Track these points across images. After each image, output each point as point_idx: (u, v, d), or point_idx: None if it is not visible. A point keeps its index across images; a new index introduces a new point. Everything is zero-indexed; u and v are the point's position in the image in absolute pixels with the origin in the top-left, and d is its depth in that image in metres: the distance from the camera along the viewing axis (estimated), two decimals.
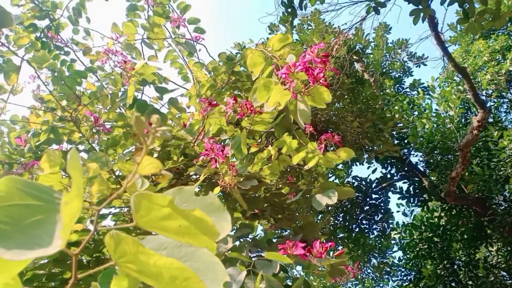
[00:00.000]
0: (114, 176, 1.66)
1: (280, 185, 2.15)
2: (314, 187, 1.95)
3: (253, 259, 1.54)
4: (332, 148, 2.34)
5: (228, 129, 2.08)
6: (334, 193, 1.74)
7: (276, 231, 2.91)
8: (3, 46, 2.17)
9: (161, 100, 2.73)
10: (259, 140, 3.69)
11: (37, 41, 2.23)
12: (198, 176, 2.22)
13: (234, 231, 2.65)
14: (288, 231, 2.74)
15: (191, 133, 1.96)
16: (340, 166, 6.71)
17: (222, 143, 2.01)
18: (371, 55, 6.36)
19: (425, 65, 6.80)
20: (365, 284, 6.37)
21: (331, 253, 1.81)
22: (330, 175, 6.63)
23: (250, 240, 1.82)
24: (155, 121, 0.40)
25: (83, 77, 2.49)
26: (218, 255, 1.85)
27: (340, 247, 6.04)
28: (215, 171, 1.73)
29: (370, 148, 4.96)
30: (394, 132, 5.74)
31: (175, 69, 3.20)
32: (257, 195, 2.13)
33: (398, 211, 6.31)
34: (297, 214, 2.22)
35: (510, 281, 5.46)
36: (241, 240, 1.71)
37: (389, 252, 6.39)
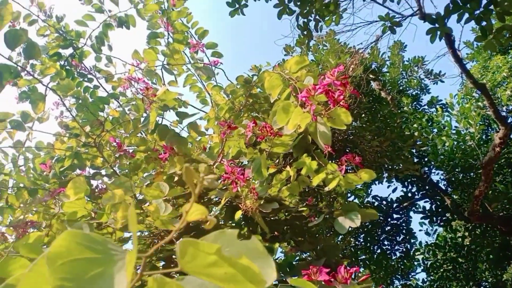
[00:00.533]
0: (135, 201, 1.67)
1: (300, 208, 2.13)
2: (335, 209, 1.93)
3: (275, 283, 1.53)
4: (350, 168, 2.33)
5: (248, 152, 2.09)
6: (357, 216, 1.72)
7: (297, 254, 2.88)
8: (28, 75, 2.25)
9: (180, 123, 2.77)
10: (277, 161, 3.69)
11: (62, 69, 2.31)
12: (218, 199, 2.23)
13: None
14: (309, 253, 2.71)
15: (211, 156, 1.98)
16: (359, 186, 6.63)
17: (242, 166, 2.01)
18: (387, 74, 6.35)
19: (443, 81, 6.75)
20: None
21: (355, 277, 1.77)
22: (349, 195, 6.56)
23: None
24: (203, 170, 0.41)
25: (106, 103, 2.55)
26: None
27: (361, 269, 5.92)
28: (236, 194, 1.73)
29: (390, 167, 4.90)
30: (414, 151, 5.67)
31: (194, 93, 3.26)
32: (277, 217, 2.12)
33: (420, 230, 6.17)
34: (317, 236, 2.19)
35: None
36: None
37: (412, 274, 6.23)
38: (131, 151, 2.42)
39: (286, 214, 2.16)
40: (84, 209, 1.76)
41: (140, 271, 0.43)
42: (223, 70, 2.87)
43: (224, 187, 1.91)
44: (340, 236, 5.53)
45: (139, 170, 2.45)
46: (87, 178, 2.38)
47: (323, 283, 1.42)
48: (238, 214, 1.71)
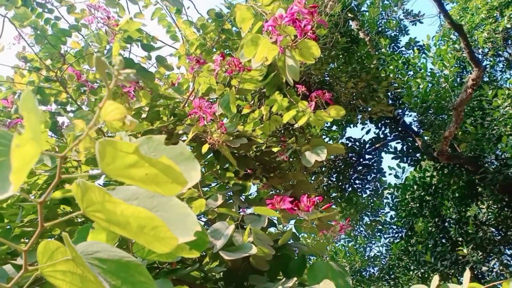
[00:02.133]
0: (103, 136, 1.64)
1: (270, 144, 2.14)
2: (303, 144, 1.95)
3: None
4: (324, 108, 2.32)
5: (218, 88, 2.05)
6: (323, 150, 1.73)
7: (270, 191, 2.94)
8: None
9: (149, 60, 2.67)
10: (252, 102, 3.66)
11: None
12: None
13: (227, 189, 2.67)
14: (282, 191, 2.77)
15: (178, 91, 1.93)
16: (334, 128, 6.71)
17: (211, 102, 1.97)
18: (367, 13, 6.21)
19: (421, 22, 6.65)
20: (358, 241, 6.53)
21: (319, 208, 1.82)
22: (324, 137, 6.65)
23: (243, 198, 1.83)
24: (118, 63, 0.37)
25: (67, 36, 2.41)
26: (210, 212, 1.88)
27: (333, 207, 6.15)
28: (204, 129, 1.71)
29: (364, 108, 4.94)
30: (389, 93, 5.71)
31: (163, 27, 3.11)
32: (248, 154, 2.13)
33: (390, 174, 6.38)
34: (288, 172, 2.22)
35: (499, 237, 5.61)
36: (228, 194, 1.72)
37: (381, 211, 6.52)
38: (96, 86, 2.34)
39: (256, 150, 2.17)
40: (47, 142, 1.72)
41: (58, 173, 0.41)
42: (193, 3, 2.73)
43: (193, 123, 1.88)
44: (314, 175, 5.68)
45: None
46: (52, 114, 2.31)
47: (286, 211, 1.45)
48: (205, 148, 1.70)
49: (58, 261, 0.46)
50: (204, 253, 1.41)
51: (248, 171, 2.42)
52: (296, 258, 1.58)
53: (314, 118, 2.09)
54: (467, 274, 1.19)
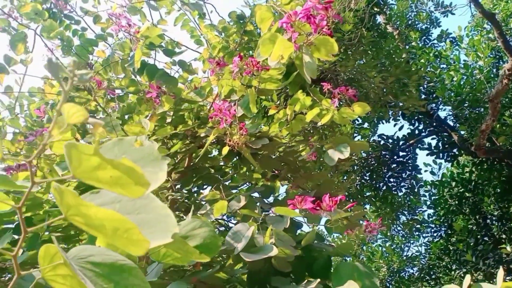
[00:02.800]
0: None
1: (293, 144, 2.11)
2: (326, 142, 1.91)
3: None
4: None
5: (238, 89, 2.04)
6: (346, 148, 1.69)
7: (299, 192, 2.91)
8: (9, 18, 2.18)
9: (174, 65, 2.69)
10: (278, 102, 3.63)
11: (45, 10, 2.23)
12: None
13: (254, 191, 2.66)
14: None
15: (200, 94, 1.94)
16: (366, 125, 6.57)
17: (232, 103, 1.97)
18: (395, 7, 6.05)
19: (453, 13, 6.42)
20: (395, 241, 6.35)
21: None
22: (355, 134, 6.52)
23: (272, 200, 1.82)
24: (72, 65, 0.37)
25: (94, 45, 2.49)
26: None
27: (367, 206, 6.03)
28: (225, 131, 1.71)
29: (395, 104, 4.81)
30: (421, 87, 5.53)
31: (188, 32, 3.15)
32: (271, 155, 2.11)
33: (426, 171, 6.19)
34: (313, 172, 2.19)
35: None
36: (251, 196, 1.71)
37: (419, 209, 6.32)
38: (122, 93, 2.40)
39: (280, 151, 2.15)
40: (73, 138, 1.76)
41: (31, 180, 0.42)
42: (213, 6, 2.75)
43: (215, 126, 1.88)
44: (345, 175, 5.58)
45: (133, 113, 2.42)
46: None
47: (308, 211, 1.43)
48: (225, 150, 1.70)
49: (55, 263, 0.47)
50: (223, 256, 1.41)
51: (276, 171, 2.41)
52: (320, 259, 1.55)
53: (338, 116, 2.04)
54: (500, 273, 1.13)
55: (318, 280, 1.23)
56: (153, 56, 2.52)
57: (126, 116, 2.39)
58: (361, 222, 2.78)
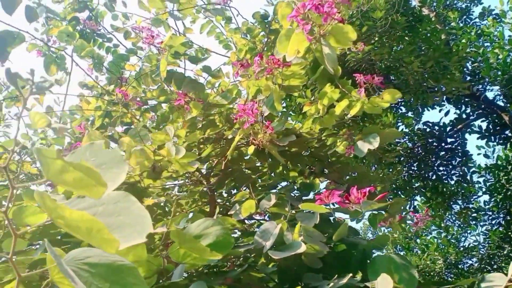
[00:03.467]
0: (155, 149, 1.71)
1: (323, 138, 2.08)
2: (356, 134, 1.86)
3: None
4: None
5: (264, 89, 2.04)
6: (375, 138, 1.65)
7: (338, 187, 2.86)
8: (46, 41, 2.32)
9: (205, 72, 2.74)
10: (312, 98, 3.60)
11: (76, 32, 2.35)
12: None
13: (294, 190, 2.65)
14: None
15: (225, 98, 1.96)
16: (410, 114, 6.34)
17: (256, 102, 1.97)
18: None
19: None
20: (450, 232, 6.06)
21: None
22: (399, 123, 6.31)
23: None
24: (30, 74, 0.39)
25: (126, 60, 2.58)
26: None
27: (417, 197, 5.81)
28: (249, 131, 1.72)
29: (437, 89, 4.60)
30: (466, 69, 5.26)
31: (215, 38, 3.19)
32: (301, 152, 2.09)
33: (479, 154, 5.86)
34: (347, 166, 2.14)
35: None
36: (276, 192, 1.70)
37: (474, 197, 5.99)
38: (155, 103, 2.47)
39: (310, 147, 2.12)
40: None
41: (11, 185, 0.44)
42: (236, 9, 2.77)
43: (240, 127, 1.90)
44: (390, 167, 5.41)
45: (167, 122, 2.49)
46: (119, 134, 2.48)
47: (337, 205, 1.40)
48: (251, 149, 1.70)
49: (50, 266, 0.49)
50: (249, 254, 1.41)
51: (313, 168, 2.38)
52: (357, 253, 1.52)
53: (368, 106, 1.99)
54: None
55: (350, 275, 1.21)
56: (183, 65, 2.59)
57: (161, 125, 2.46)
58: (407, 214, 2.70)
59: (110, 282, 0.47)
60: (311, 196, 2.30)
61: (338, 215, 1.80)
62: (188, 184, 2.57)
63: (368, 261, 1.41)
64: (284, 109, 4.77)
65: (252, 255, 1.49)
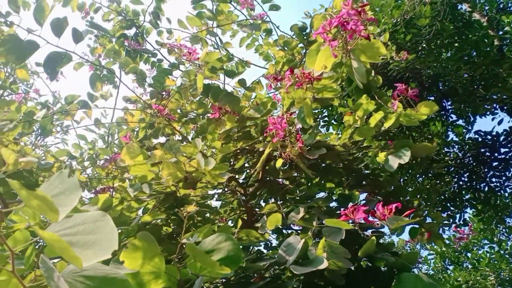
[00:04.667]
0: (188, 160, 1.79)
1: (354, 151, 2.07)
2: (389, 148, 1.84)
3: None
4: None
5: (297, 101, 2.07)
6: (405, 152, 1.62)
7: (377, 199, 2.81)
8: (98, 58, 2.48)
9: (243, 86, 2.80)
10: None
11: (120, 48, 2.50)
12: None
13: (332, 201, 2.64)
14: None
15: (258, 111, 2.01)
16: (461, 122, 6.07)
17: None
18: None
19: None
20: (503, 246, 5.71)
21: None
22: (449, 132, 6.05)
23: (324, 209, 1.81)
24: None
25: (169, 74, 2.71)
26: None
27: (468, 210, 5.53)
28: (281, 144, 1.75)
29: (488, 97, 4.39)
30: None
31: (256, 52, 3.27)
32: (334, 164, 2.08)
33: None
34: (380, 179, 2.11)
35: None
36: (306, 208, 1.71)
37: None
38: (193, 116, 2.57)
39: (344, 160, 2.11)
40: (150, 172, 1.94)
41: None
42: (272, 23, 2.81)
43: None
44: (438, 179, 5.21)
45: (206, 133, 2.57)
46: (161, 145, 2.60)
47: (363, 221, 1.40)
48: (279, 163, 1.73)
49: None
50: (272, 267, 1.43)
51: (349, 179, 2.37)
52: (385, 270, 1.50)
53: (404, 118, 1.96)
54: None
55: None
56: (221, 78, 2.68)
57: (200, 136, 2.55)
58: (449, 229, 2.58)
59: None
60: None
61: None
62: (226, 193, 2.65)
63: (395, 279, 1.39)
64: (320, 119, 4.75)
65: (279, 268, 1.51)
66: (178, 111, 2.61)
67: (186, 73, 2.23)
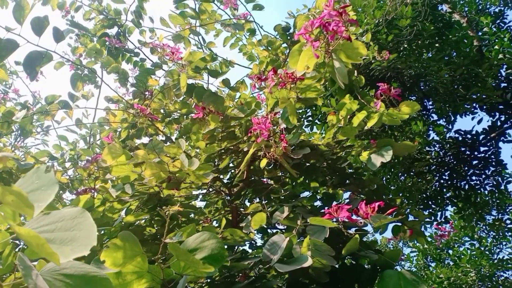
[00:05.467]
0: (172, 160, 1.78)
1: (337, 150, 2.08)
2: (371, 147, 1.86)
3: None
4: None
5: (281, 101, 2.07)
6: (387, 151, 1.64)
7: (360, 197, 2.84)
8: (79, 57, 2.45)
9: (227, 85, 2.79)
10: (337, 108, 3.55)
11: (102, 47, 2.47)
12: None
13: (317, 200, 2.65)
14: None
15: (242, 110, 2.01)
16: (442, 121, 6.18)
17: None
18: None
19: None
20: (483, 243, 5.84)
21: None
22: (430, 132, 6.16)
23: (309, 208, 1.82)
24: None
25: (152, 74, 2.68)
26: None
27: (448, 207, 5.64)
28: (265, 144, 1.75)
29: (468, 97, 4.48)
30: (500, 75, 5.08)
31: (240, 52, 3.26)
32: (317, 164, 2.10)
33: None
34: (363, 178, 2.13)
35: None
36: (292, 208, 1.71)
37: (509, 208, 5.75)
38: (177, 116, 2.55)
39: (328, 159, 2.13)
40: (132, 172, 1.92)
41: None
42: (256, 23, 2.82)
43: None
44: (419, 177, 5.29)
45: (190, 133, 2.56)
46: (144, 145, 2.57)
47: (346, 220, 1.41)
48: (263, 163, 1.73)
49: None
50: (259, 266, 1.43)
51: (333, 179, 2.38)
52: (368, 268, 1.52)
53: (387, 117, 1.99)
54: None
55: None
56: (206, 78, 2.66)
57: (184, 137, 2.54)
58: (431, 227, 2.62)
59: None
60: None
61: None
62: (210, 193, 2.64)
63: (378, 276, 1.41)
64: (304, 119, 4.78)
65: (264, 267, 1.52)
66: (162, 111, 2.59)
67: (169, 72, 2.21)
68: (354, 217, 1.39)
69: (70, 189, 2.30)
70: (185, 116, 2.66)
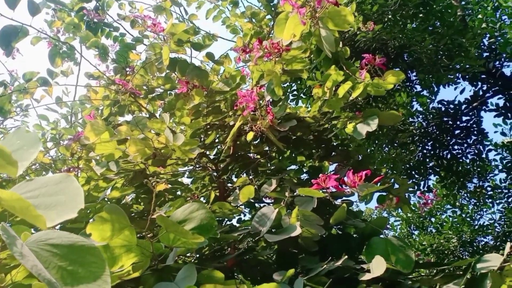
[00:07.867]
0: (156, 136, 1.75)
1: (323, 122, 2.08)
2: (357, 117, 1.86)
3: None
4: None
5: (266, 74, 2.05)
6: (373, 120, 1.64)
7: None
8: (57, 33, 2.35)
9: (211, 59, 2.73)
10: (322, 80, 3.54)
11: (80, 22, 2.38)
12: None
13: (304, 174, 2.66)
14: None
15: (227, 84, 1.97)
16: (425, 92, 6.22)
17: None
18: None
19: None
20: (465, 210, 6.01)
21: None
22: (414, 103, 6.21)
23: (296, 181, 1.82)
24: None
25: (132, 49, 2.61)
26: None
27: (431, 177, 5.75)
28: (252, 117, 1.73)
29: (451, 66, 4.49)
30: (483, 45, 5.11)
31: (222, 24, 3.19)
32: (304, 136, 2.09)
33: (495, 132, 5.75)
34: (350, 149, 2.14)
35: None
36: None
37: (490, 175, 5.90)
38: (160, 92, 2.50)
39: (314, 131, 2.12)
40: (116, 150, 1.88)
41: None
42: None
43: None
44: (403, 148, 5.36)
45: (174, 109, 2.51)
46: (127, 122, 2.52)
47: (334, 190, 1.41)
48: (250, 136, 1.72)
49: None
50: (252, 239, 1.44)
51: (319, 151, 2.39)
52: (357, 236, 1.54)
53: (372, 88, 1.98)
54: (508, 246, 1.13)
55: (345, 257, 1.23)
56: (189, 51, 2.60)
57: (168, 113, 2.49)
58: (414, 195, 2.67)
59: (70, 261, 0.50)
60: None
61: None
62: (197, 169, 2.62)
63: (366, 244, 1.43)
64: (289, 93, 4.75)
65: (253, 240, 1.52)
66: (144, 87, 2.53)
67: (151, 46, 2.15)
68: (341, 186, 1.40)
69: (53, 169, 2.26)
70: (168, 92, 2.61)
